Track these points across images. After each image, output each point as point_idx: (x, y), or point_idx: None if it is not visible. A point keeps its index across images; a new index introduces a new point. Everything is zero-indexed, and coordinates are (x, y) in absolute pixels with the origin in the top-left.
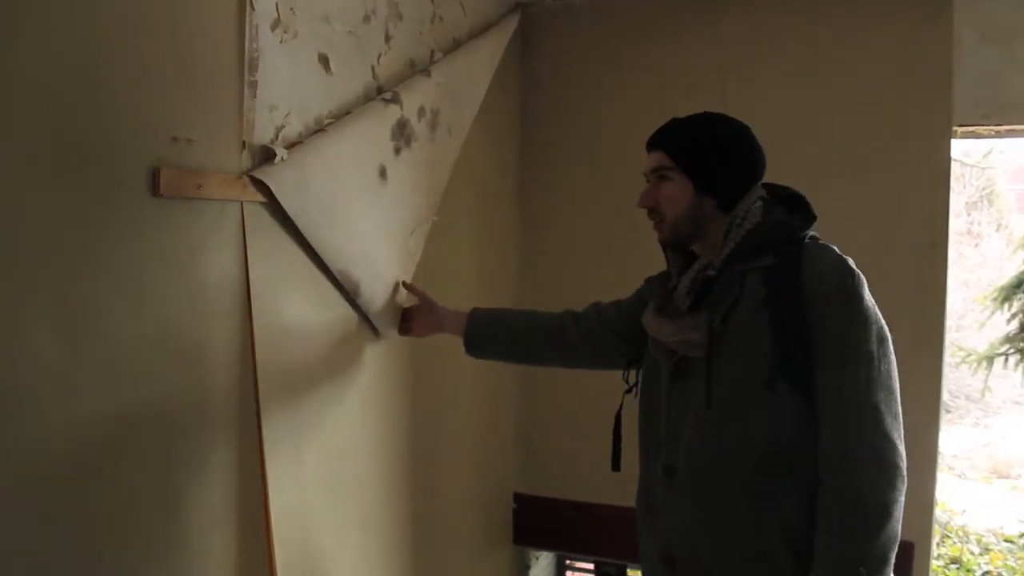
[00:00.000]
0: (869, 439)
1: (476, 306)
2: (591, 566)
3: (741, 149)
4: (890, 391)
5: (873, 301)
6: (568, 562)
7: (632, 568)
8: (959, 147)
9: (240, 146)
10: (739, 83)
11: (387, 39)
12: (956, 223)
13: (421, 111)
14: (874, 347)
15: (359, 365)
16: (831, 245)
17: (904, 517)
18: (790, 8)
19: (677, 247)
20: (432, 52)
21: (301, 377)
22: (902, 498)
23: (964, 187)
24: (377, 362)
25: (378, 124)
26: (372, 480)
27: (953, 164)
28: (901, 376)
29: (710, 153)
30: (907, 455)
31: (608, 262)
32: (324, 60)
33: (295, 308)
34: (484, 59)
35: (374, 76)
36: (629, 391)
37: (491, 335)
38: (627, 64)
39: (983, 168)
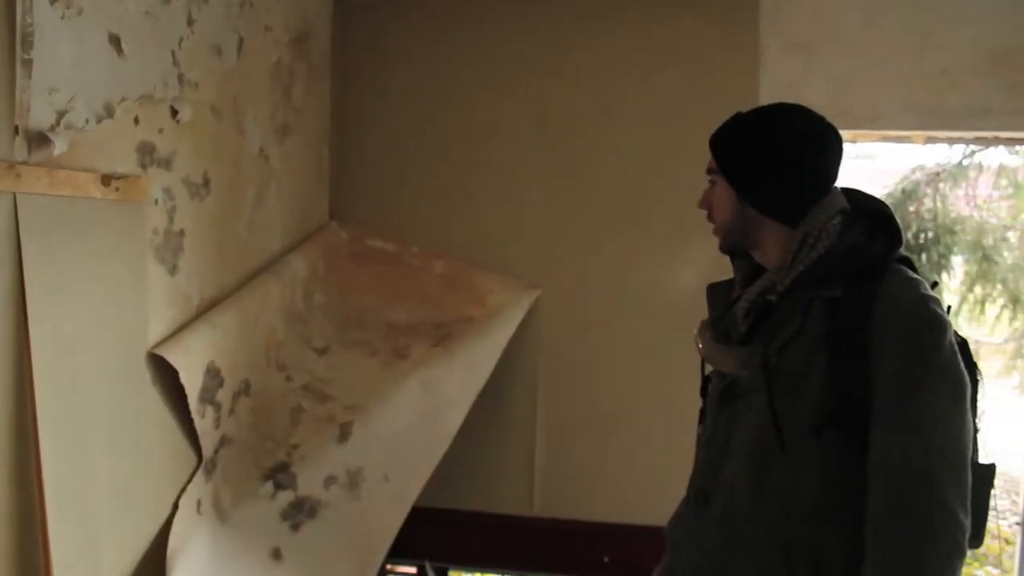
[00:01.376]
0: (920, 511)
1: None
2: (413, 570)
3: (792, 156)
4: (955, 455)
5: (954, 349)
6: (388, 567)
7: (454, 570)
8: None
9: (12, 131)
10: (550, 83)
11: (190, 22)
12: None
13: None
14: (941, 406)
15: (160, 377)
16: (917, 277)
17: None
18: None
19: (734, 255)
20: (241, 39)
21: (90, 394)
22: (958, 574)
23: None
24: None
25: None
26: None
27: None
28: None
29: (749, 158)
30: None
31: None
32: (115, 41)
33: (85, 316)
34: None
35: (175, 62)
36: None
37: None
38: (452, 59)
39: None
